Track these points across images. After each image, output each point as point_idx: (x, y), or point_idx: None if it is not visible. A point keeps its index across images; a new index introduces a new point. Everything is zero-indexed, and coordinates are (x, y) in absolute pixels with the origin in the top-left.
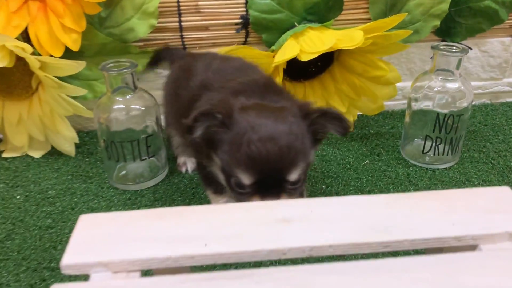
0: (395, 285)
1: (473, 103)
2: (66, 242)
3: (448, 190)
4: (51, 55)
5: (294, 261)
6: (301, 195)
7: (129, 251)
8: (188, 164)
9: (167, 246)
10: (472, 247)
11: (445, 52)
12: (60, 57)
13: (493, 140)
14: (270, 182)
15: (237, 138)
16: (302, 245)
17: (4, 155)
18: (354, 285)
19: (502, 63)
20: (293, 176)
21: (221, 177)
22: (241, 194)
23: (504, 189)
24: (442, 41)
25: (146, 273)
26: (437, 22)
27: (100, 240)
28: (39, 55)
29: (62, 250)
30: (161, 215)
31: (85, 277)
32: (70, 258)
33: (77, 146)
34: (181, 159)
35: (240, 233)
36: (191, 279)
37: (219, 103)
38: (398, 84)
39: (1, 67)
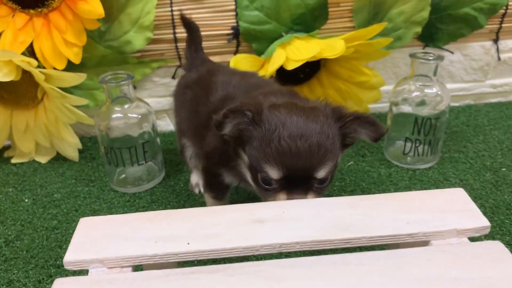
0: (350, 276)
1: (457, 104)
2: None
3: (407, 192)
4: (55, 68)
5: (266, 257)
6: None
7: (122, 249)
8: (200, 185)
9: (155, 245)
10: (425, 243)
11: (422, 60)
12: (63, 70)
13: (474, 140)
14: (298, 180)
15: (267, 134)
16: (273, 242)
17: (13, 160)
18: (314, 276)
19: (484, 66)
20: (321, 174)
21: (248, 175)
22: (267, 190)
23: (458, 190)
24: (425, 46)
25: (137, 268)
26: (419, 29)
27: (97, 240)
28: (44, 68)
29: (67, 249)
30: (151, 218)
31: (85, 272)
32: (71, 256)
33: (80, 151)
34: (193, 179)
35: (219, 233)
36: (175, 273)
37: (249, 101)
38: (384, 88)
39: (9, 80)
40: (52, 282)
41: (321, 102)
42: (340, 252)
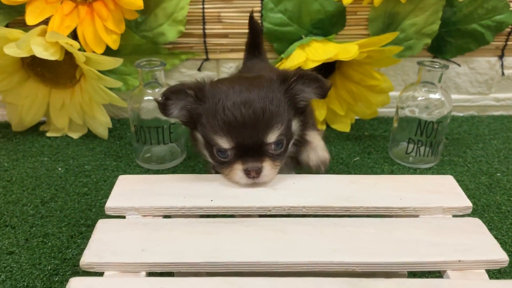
0: (346, 235)
1: (462, 114)
2: (100, 206)
3: (402, 175)
4: (94, 52)
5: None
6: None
7: (155, 201)
8: None
9: (183, 199)
10: (414, 217)
11: (428, 67)
12: (102, 54)
13: (473, 147)
14: (250, 147)
15: (212, 107)
16: (283, 205)
17: (48, 134)
18: (316, 233)
19: (489, 79)
20: (271, 138)
21: (207, 154)
22: (224, 163)
23: (448, 177)
24: (434, 57)
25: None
26: (428, 41)
27: (133, 192)
28: (84, 51)
29: (96, 212)
30: (179, 179)
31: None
32: (112, 203)
33: (110, 130)
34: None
35: (238, 195)
36: (199, 221)
37: (190, 82)
38: (393, 94)
39: (51, 61)
40: (82, 238)
41: (271, 70)
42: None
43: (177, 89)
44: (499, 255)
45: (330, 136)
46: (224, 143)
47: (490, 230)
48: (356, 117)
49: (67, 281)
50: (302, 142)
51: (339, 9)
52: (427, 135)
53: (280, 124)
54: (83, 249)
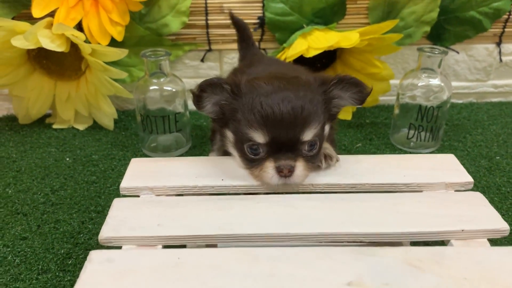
0: (354, 209)
1: (461, 101)
2: (109, 193)
3: (405, 155)
4: (99, 44)
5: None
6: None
7: (168, 181)
8: None
9: (195, 179)
10: (418, 192)
11: (428, 53)
12: (107, 46)
13: (473, 132)
14: (284, 145)
15: (249, 102)
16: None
17: (54, 126)
18: (324, 207)
19: (487, 66)
20: (307, 136)
21: (235, 153)
22: (254, 161)
23: (449, 156)
24: (433, 44)
25: None
26: (428, 28)
27: (146, 174)
28: (89, 43)
29: (106, 200)
30: (191, 161)
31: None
32: (126, 183)
33: (115, 122)
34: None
35: (247, 174)
36: (212, 198)
37: (226, 78)
38: (393, 82)
39: (56, 53)
40: (93, 224)
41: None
42: None
43: (213, 82)
44: (500, 225)
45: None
46: (259, 137)
47: None
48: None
49: (81, 264)
50: None
51: None
52: (427, 120)
53: (317, 124)
54: (94, 234)
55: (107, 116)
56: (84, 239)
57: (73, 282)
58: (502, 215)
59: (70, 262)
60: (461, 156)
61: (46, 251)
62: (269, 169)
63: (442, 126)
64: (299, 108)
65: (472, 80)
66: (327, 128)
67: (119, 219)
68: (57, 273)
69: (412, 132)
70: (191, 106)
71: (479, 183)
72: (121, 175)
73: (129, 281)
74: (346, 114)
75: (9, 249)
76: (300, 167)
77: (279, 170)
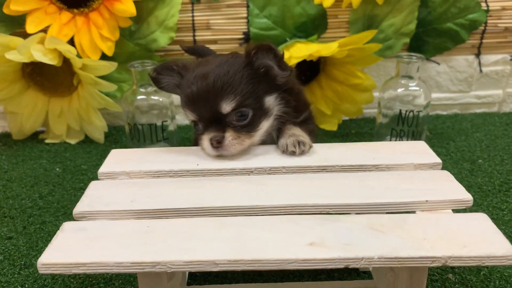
0: (321, 185)
1: (445, 113)
2: None
3: (377, 142)
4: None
5: None
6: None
7: (144, 166)
8: None
9: (172, 164)
10: None
11: (406, 59)
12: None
13: (456, 139)
14: (212, 119)
15: (184, 82)
16: (264, 166)
17: (47, 141)
18: (294, 184)
19: (468, 77)
20: (226, 108)
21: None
22: (199, 134)
23: (420, 142)
24: None
25: None
26: (407, 40)
27: (124, 161)
28: (81, 58)
29: (101, 165)
30: (167, 151)
31: None
32: (104, 169)
33: (106, 136)
34: None
35: (222, 160)
36: (185, 179)
37: (178, 61)
38: (376, 94)
39: (50, 70)
40: None
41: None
42: None
43: (166, 65)
44: (463, 195)
45: (318, 134)
46: (191, 114)
47: (472, 207)
48: (344, 118)
49: None
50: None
51: (320, 12)
52: (408, 124)
53: (235, 95)
54: None
55: (98, 130)
56: None
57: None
58: (483, 211)
59: None
60: (444, 160)
61: (30, 249)
62: (205, 141)
63: (424, 131)
64: (212, 82)
65: (455, 91)
66: (271, 99)
67: (95, 197)
68: None
69: (394, 138)
70: (179, 121)
71: (461, 183)
72: None
73: (99, 244)
74: (331, 125)
75: None
76: (229, 137)
77: (211, 143)
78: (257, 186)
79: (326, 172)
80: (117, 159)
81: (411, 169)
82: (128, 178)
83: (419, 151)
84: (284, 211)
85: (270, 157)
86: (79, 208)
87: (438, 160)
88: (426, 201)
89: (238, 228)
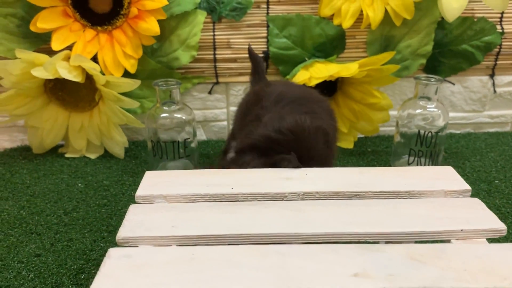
0: (356, 212)
1: (458, 132)
2: (120, 215)
3: (406, 167)
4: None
5: None
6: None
7: (180, 190)
8: None
9: (207, 188)
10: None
11: (425, 81)
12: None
13: (471, 159)
14: None
15: None
16: (298, 191)
17: (67, 155)
18: (329, 211)
19: (482, 97)
20: None
21: None
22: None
23: (448, 168)
24: None
25: None
26: (423, 61)
27: (160, 184)
28: (104, 75)
29: (117, 220)
30: (201, 173)
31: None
32: (141, 192)
33: (125, 151)
34: None
35: (256, 183)
36: (223, 204)
37: None
38: (393, 113)
39: (71, 85)
40: (105, 242)
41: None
42: None
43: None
44: (498, 225)
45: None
46: None
47: None
48: (359, 135)
49: (94, 278)
50: None
51: (339, 33)
52: (426, 145)
53: None
54: (106, 251)
55: (118, 145)
56: (97, 255)
57: None
58: (505, 235)
59: (82, 276)
60: None
61: (59, 267)
62: None
63: (441, 152)
64: None
65: (469, 111)
66: None
67: (136, 221)
68: (70, 287)
69: (412, 158)
70: (198, 137)
71: None
72: (131, 199)
73: (146, 273)
74: (348, 143)
75: (23, 265)
76: None
77: None
78: (293, 212)
79: (360, 199)
80: (152, 182)
81: (441, 196)
82: (164, 201)
83: (447, 176)
84: (322, 239)
85: (302, 182)
86: (122, 233)
87: (468, 187)
88: (461, 230)
89: (280, 257)
